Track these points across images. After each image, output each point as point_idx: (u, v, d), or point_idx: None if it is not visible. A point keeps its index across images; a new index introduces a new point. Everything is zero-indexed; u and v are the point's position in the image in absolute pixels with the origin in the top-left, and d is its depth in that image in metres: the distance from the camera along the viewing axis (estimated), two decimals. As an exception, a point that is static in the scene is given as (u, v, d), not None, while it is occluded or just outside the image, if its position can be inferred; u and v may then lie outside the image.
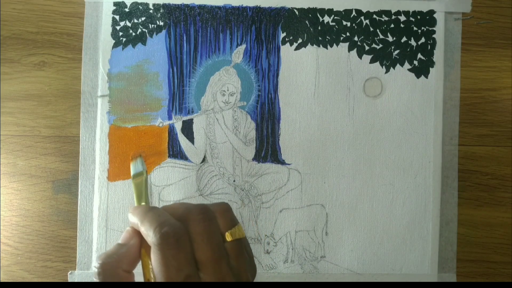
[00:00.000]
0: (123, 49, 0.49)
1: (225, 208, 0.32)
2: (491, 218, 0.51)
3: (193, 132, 0.50)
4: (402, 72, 0.50)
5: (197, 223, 0.30)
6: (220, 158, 0.50)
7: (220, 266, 0.29)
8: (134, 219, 0.31)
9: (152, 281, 0.30)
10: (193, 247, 0.29)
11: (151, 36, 0.50)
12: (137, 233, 0.31)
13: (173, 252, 0.28)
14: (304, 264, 0.50)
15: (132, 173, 0.38)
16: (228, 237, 0.31)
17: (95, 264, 0.29)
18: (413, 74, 0.51)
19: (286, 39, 0.50)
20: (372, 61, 0.50)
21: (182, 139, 0.50)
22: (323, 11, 0.50)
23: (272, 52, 0.50)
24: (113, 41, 0.49)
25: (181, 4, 0.50)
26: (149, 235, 0.29)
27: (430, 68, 0.51)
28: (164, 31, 0.50)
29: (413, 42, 0.51)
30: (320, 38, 0.50)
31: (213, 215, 0.31)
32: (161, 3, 0.49)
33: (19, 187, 0.49)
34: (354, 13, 0.50)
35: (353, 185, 0.50)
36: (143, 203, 0.35)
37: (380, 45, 0.50)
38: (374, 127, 0.50)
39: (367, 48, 0.50)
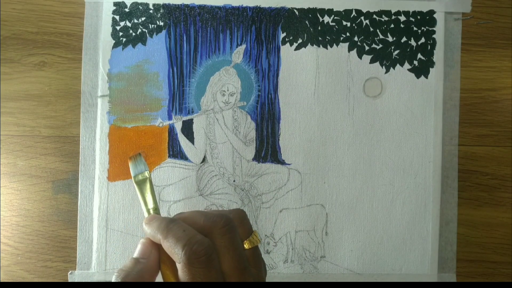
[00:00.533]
0: (123, 49, 0.49)
1: (243, 216, 0.32)
2: (491, 218, 0.51)
3: (193, 132, 0.50)
4: (402, 72, 0.50)
5: (221, 236, 0.29)
6: (220, 158, 0.50)
7: (244, 275, 0.29)
8: (152, 232, 0.30)
9: None
10: (219, 259, 0.29)
11: (151, 36, 0.50)
12: (155, 246, 0.30)
13: (204, 271, 0.28)
14: (304, 264, 0.50)
15: (132, 174, 0.36)
16: (247, 244, 0.31)
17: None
18: (413, 74, 0.51)
19: (286, 39, 0.50)
20: (372, 61, 0.50)
21: (182, 139, 0.50)
22: (323, 11, 0.50)
23: (272, 52, 0.50)
24: (113, 41, 0.49)
25: (181, 4, 0.50)
26: (177, 253, 0.28)
27: (430, 68, 0.51)
28: (164, 31, 0.50)
29: (413, 42, 0.51)
30: (320, 38, 0.50)
31: (235, 225, 0.31)
32: (161, 3, 0.49)
33: (19, 187, 0.49)
34: (354, 13, 0.50)
35: (353, 185, 0.50)
36: (150, 207, 0.34)
37: (380, 45, 0.50)
38: (374, 127, 0.50)
39: (367, 48, 0.50)
